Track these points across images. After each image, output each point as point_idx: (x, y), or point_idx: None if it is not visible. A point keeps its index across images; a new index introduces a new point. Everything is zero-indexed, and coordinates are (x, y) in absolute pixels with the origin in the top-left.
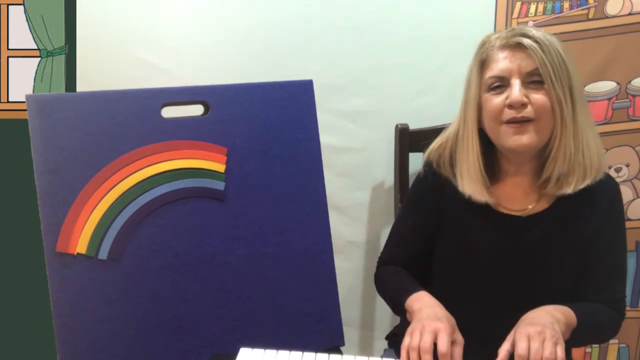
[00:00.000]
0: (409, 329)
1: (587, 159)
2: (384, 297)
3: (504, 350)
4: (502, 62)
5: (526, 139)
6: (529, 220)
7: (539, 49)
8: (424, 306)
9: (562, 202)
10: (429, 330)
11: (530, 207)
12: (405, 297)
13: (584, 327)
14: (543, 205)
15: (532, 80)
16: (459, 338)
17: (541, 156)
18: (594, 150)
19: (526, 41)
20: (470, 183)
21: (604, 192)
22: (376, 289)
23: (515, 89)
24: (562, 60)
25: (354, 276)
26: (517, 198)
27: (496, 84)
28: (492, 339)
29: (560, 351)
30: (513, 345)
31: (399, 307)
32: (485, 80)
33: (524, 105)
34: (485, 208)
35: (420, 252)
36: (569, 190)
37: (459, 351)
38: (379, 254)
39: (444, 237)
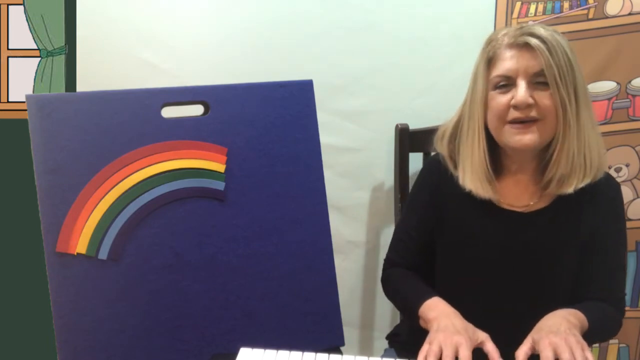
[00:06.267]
0: (428, 339)
1: (588, 159)
2: (394, 301)
3: (522, 353)
4: (508, 62)
5: (529, 139)
6: (529, 216)
7: (545, 50)
8: (441, 315)
9: (562, 200)
10: (450, 345)
11: (530, 203)
12: (419, 304)
13: (593, 329)
14: (544, 202)
15: (538, 81)
16: (482, 335)
17: (543, 155)
18: (595, 150)
19: (533, 41)
20: (473, 179)
21: (605, 191)
22: (384, 292)
23: (521, 90)
24: (569, 61)
25: (354, 276)
26: (518, 194)
27: (502, 83)
28: (496, 335)
29: (590, 355)
30: (531, 349)
31: (411, 313)
32: (491, 79)
33: (529, 106)
34: (486, 204)
35: (426, 250)
36: (569, 190)
37: (490, 345)
38: (380, 254)
39: (445, 233)
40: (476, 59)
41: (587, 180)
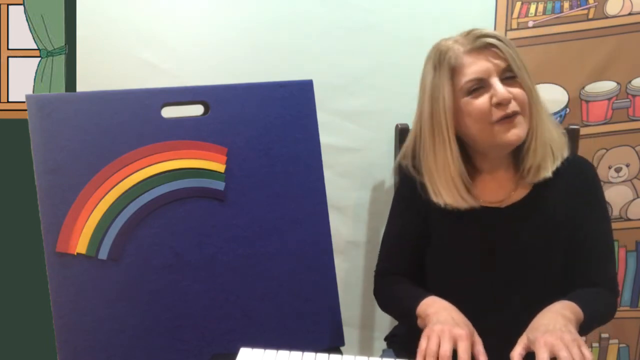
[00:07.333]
0: (426, 332)
1: (555, 142)
2: (388, 309)
3: (517, 354)
4: (476, 65)
5: (520, 131)
6: (508, 210)
7: (505, 46)
8: (440, 309)
9: (539, 188)
10: (448, 337)
11: (508, 197)
12: (416, 304)
13: (589, 319)
14: (521, 193)
15: (506, 76)
16: (477, 339)
17: (517, 148)
18: (554, 131)
19: (493, 41)
20: (451, 192)
21: (579, 172)
22: (377, 303)
23: (499, 87)
24: (519, 53)
25: (354, 276)
26: (495, 190)
27: (475, 87)
28: (493, 333)
29: (587, 352)
30: (525, 349)
31: (408, 315)
32: (462, 86)
33: (509, 101)
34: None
35: (415, 256)
36: (547, 174)
37: (479, 348)
38: (377, 259)
39: (430, 236)
40: (425, 71)
41: (558, 161)
